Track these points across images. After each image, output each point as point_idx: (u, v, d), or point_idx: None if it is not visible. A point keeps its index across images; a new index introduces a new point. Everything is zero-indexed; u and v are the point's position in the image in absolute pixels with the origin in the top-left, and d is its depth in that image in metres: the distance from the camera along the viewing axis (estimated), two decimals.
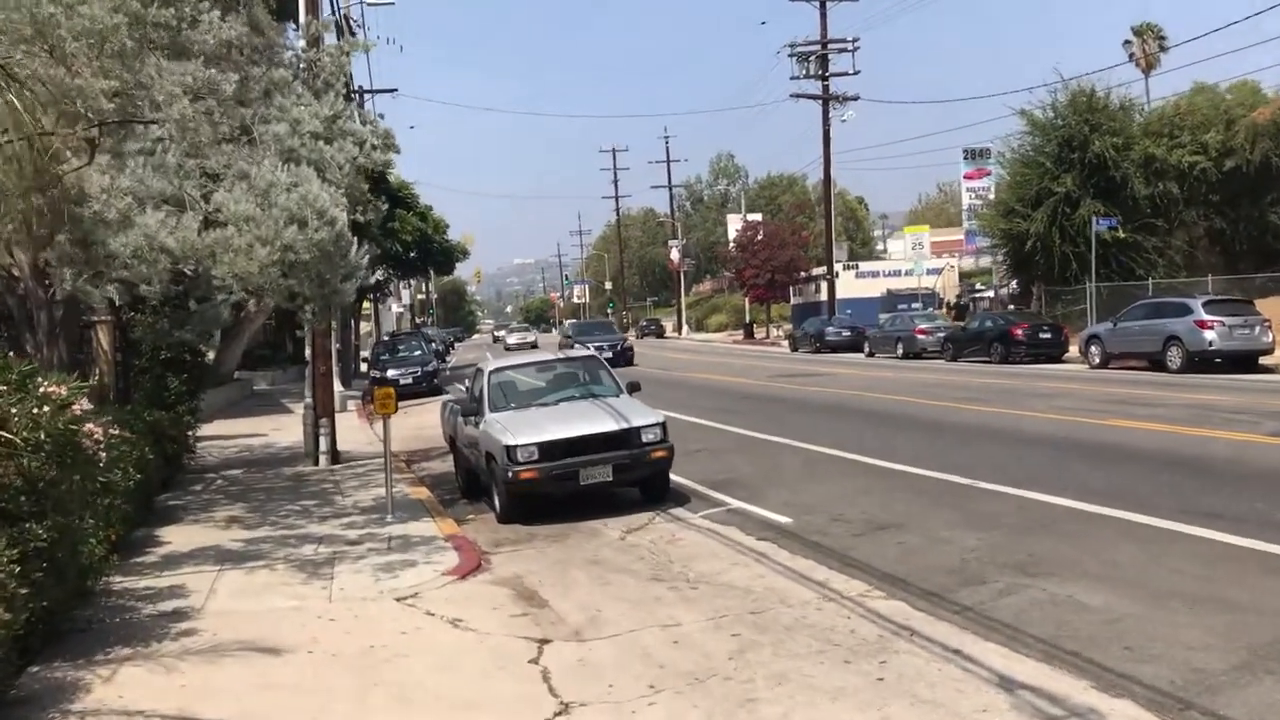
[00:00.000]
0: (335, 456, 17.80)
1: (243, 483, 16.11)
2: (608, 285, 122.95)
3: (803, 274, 65.18)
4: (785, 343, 58.35)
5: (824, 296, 59.64)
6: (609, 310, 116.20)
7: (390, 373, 34.59)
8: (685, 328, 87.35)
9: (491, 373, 13.84)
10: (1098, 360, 29.72)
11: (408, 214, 48.09)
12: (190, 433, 17.31)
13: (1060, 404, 19.08)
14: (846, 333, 46.93)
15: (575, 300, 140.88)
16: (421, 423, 24.15)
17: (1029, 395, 21.11)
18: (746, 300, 71.82)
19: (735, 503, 12.33)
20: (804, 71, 56.50)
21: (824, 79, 56.11)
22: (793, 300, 68.21)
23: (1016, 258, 42.27)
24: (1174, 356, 26.89)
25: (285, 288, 11.31)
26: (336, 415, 27.19)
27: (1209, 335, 26.15)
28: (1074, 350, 33.17)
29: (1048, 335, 33.67)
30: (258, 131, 12.50)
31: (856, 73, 56.31)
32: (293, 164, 11.96)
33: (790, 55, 56.30)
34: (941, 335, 38.13)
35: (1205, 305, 26.98)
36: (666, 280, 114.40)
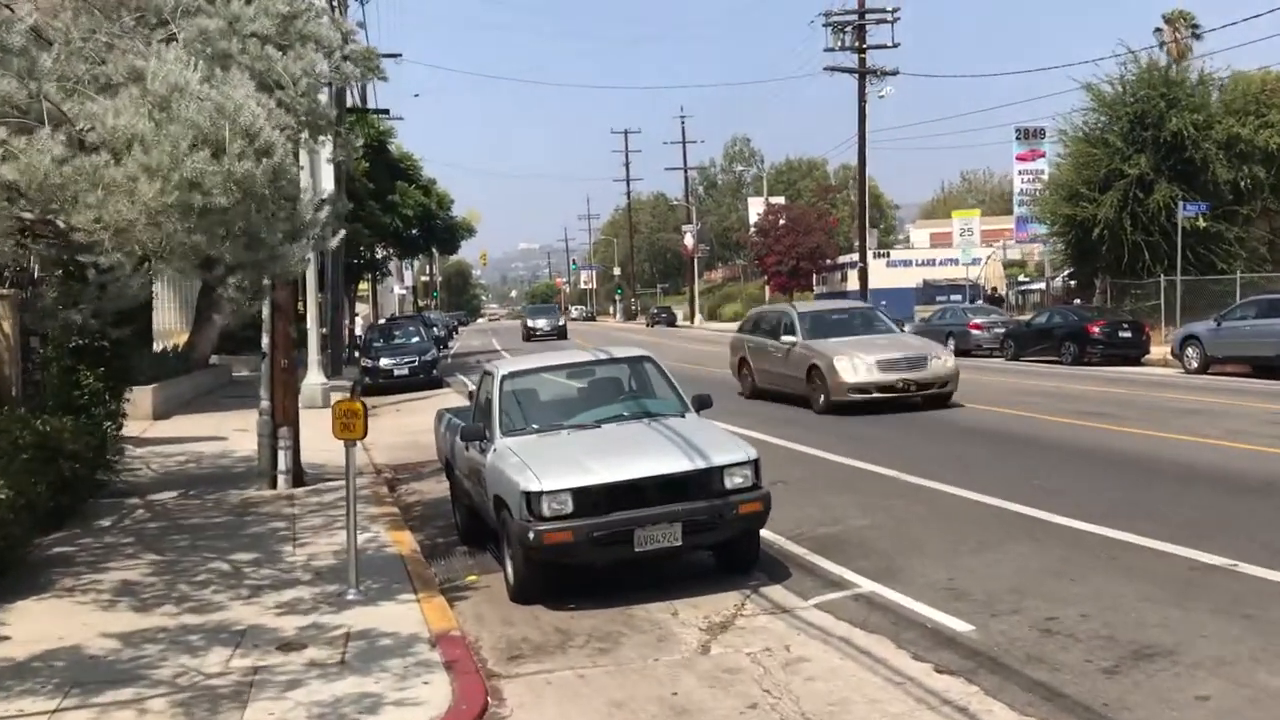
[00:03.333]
0: (299, 476, 13.81)
1: (169, 515, 12.12)
2: (616, 271, 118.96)
3: (829, 261, 61.11)
4: None
5: (851, 286, 55.68)
6: (617, 296, 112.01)
7: (383, 361, 30.70)
8: (698, 316, 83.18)
9: (505, 378, 9.80)
10: (1195, 364, 25.70)
11: (409, 187, 44.08)
12: (109, 444, 13.31)
13: (1229, 425, 14.99)
14: None
15: (583, 286, 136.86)
16: (416, 425, 20.18)
17: (1167, 411, 17.02)
18: (767, 289, 67.69)
19: (863, 582, 8.33)
20: (839, 43, 52.40)
21: (860, 51, 51.92)
22: (816, 290, 64.13)
23: (1080, 247, 38.14)
24: None
25: (192, 248, 7.29)
26: (320, 411, 23.27)
27: None
28: (1155, 351, 29.33)
29: (1128, 334, 29.68)
30: (180, 26, 8.54)
31: (896, 45, 52.02)
32: (220, 70, 8.01)
33: (825, 25, 52.12)
34: (1000, 331, 34.17)
35: None
36: (677, 266, 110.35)
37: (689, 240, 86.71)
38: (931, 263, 57.29)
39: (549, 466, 8.35)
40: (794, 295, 64.99)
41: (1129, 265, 35.76)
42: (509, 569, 8.71)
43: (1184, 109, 35.14)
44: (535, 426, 9.37)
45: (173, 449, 17.61)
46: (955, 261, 50.93)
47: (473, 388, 13.63)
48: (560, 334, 57.88)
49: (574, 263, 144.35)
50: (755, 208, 72.55)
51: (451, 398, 27.71)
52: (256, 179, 7.25)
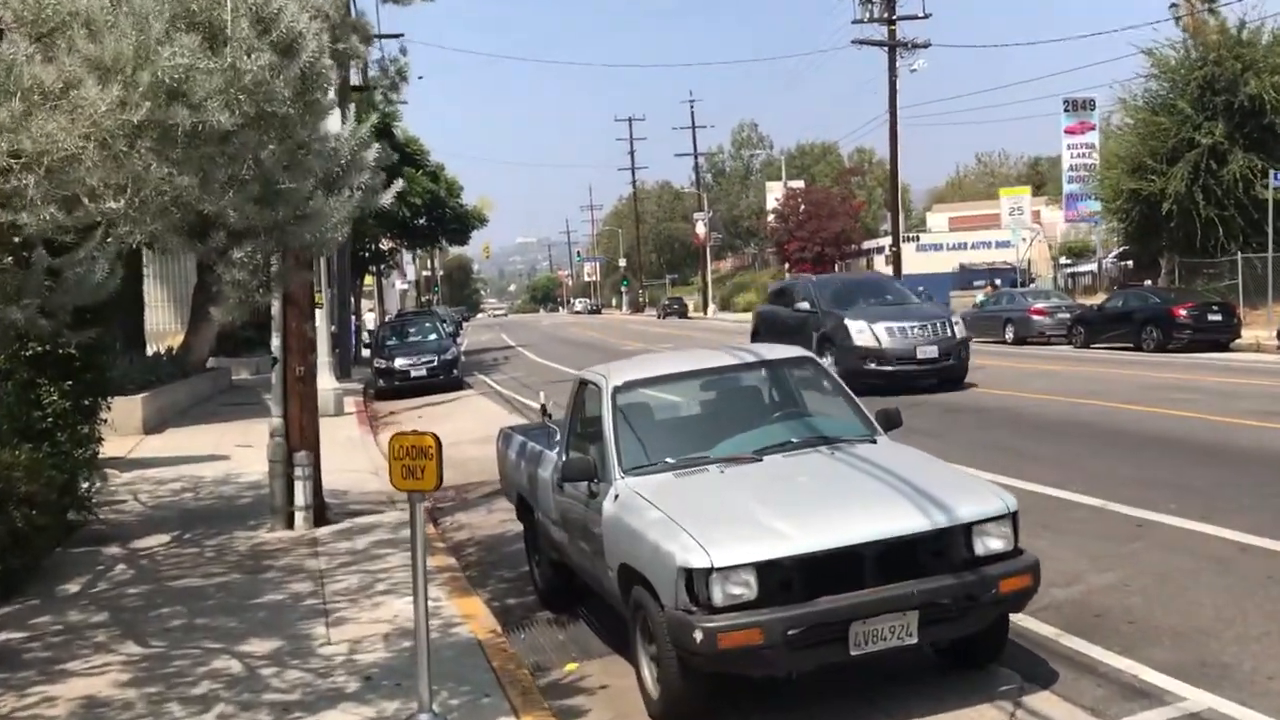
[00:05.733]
0: (320, 512, 11.03)
1: (158, 573, 9.34)
2: (622, 262, 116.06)
3: (854, 247, 58.30)
4: None
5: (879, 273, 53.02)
6: (623, 288, 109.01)
7: (399, 361, 27.84)
8: (711, 306, 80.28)
9: (618, 390, 7.01)
10: None
11: (417, 173, 41.07)
12: (81, 476, 10.55)
13: None
14: None
15: (586, 279, 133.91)
16: (445, 433, 17.37)
17: None
18: (788, 276, 64.85)
19: (1180, 688, 5.57)
20: (867, 15, 49.66)
21: (890, 23, 49.14)
22: None
23: (1144, 224, 35.37)
24: None
25: (175, 199, 4.52)
26: (332, 419, 20.45)
27: None
28: (1245, 335, 26.72)
29: (1218, 316, 26.97)
30: None
31: (927, 16, 49.28)
32: None
33: None
34: (1064, 317, 31.40)
35: None
36: (686, 257, 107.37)
37: (700, 228, 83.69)
38: (963, 246, 54.44)
39: (714, 527, 5.57)
40: None
41: (1201, 242, 33.08)
42: (647, 673, 5.94)
43: (1262, 71, 32.40)
44: (669, 460, 6.59)
45: (166, 472, 14.84)
46: (990, 244, 48.09)
47: (542, 401, 10.87)
48: None
49: (578, 254, 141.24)
50: (774, 192, 69.60)
51: (478, 400, 24.91)
52: (275, 87, 4.47)
